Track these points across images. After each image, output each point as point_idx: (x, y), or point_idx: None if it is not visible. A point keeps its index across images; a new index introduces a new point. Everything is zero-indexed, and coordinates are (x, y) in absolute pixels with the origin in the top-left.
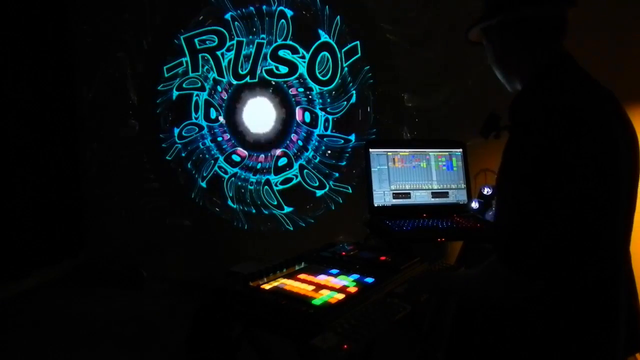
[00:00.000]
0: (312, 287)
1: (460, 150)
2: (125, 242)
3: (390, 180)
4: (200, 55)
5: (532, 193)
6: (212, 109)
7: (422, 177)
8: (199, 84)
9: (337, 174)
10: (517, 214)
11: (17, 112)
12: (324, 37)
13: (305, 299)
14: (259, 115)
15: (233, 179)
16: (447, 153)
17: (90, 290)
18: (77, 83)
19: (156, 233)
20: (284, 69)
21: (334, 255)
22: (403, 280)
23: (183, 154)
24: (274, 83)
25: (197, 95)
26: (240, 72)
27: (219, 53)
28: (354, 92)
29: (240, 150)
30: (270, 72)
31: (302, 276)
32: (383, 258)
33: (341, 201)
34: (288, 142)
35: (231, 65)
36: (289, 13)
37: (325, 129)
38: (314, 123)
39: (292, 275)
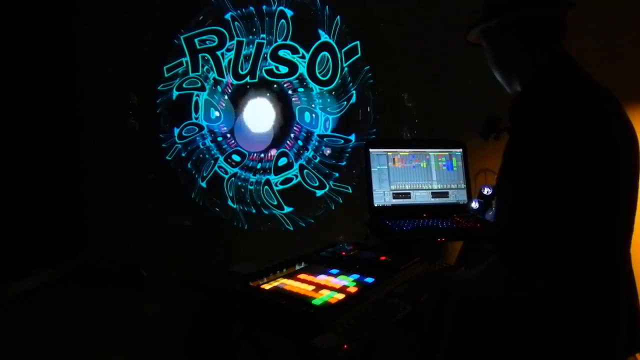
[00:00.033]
0: (312, 287)
1: (460, 150)
2: (125, 242)
3: (390, 180)
4: (200, 55)
5: (532, 193)
6: (212, 109)
7: (422, 177)
8: (199, 84)
9: (337, 174)
10: (517, 214)
11: (17, 112)
12: (324, 37)
13: (305, 299)
14: (259, 115)
15: (233, 179)
16: (447, 153)
17: (90, 290)
18: (77, 83)
19: (156, 233)
20: (284, 69)
21: (334, 255)
22: (403, 280)
23: (183, 154)
24: (274, 83)
25: (197, 95)
26: (240, 72)
27: (219, 53)
28: (354, 92)
29: (240, 149)
30: (270, 72)
31: (302, 276)
32: (383, 258)
33: (341, 201)
34: (288, 141)
35: (231, 65)
36: (289, 13)
37: (325, 129)
38: (314, 123)
39: (292, 275)
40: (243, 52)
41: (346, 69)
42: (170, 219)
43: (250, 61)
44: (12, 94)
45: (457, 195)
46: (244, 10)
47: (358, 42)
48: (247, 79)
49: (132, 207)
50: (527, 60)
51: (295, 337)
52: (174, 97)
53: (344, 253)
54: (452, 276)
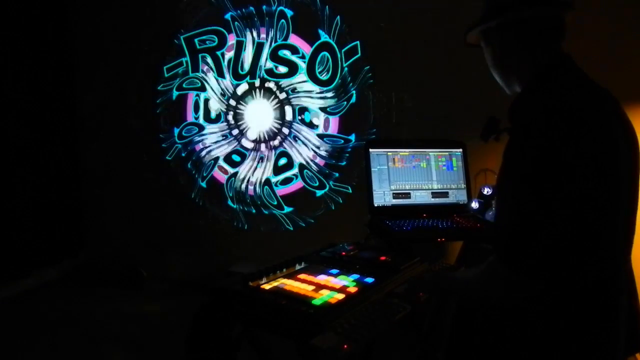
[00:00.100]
0: (312, 287)
1: (460, 150)
2: (125, 242)
3: (390, 180)
4: (200, 55)
5: (532, 193)
6: (212, 109)
7: (422, 177)
8: (199, 84)
9: (337, 174)
10: (517, 214)
11: (17, 112)
12: (324, 37)
13: (305, 299)
14: (259, 115)
15: (233, 179)
16: (447, 153)
17: (90, 290)
18: (77, 83)
19: (156, 233)
20: (284, 69)
21: (334, 255)
22: (403, 280)
23: (183, 154)
24: (274, 83)
25: (197, 95)
26: (240, 72)
27: (219, 53)
28: (354, 92)
29: (239, 149)
30: (270, 72)
31: (302, 276)
32: (383, 258)
33: (341, 201)
34: (287, 141)
35: (231, 65)
36: (289, 13)
37: (325, 129)
38: (313, 123)
39: (292, 275)
40: (243, 52)
41: (346, 69)
42: (170, 219)
43: (250, 61)
44: (12, 94)
45: (457, 195)
46: (244, 10)
47: (358, 42)
48: (247, 78)
49: (132, 207)
50: (527, 60)
51: (295, 337)
52: (174, 97)
53: (344, 253)
54: (452, 276)
